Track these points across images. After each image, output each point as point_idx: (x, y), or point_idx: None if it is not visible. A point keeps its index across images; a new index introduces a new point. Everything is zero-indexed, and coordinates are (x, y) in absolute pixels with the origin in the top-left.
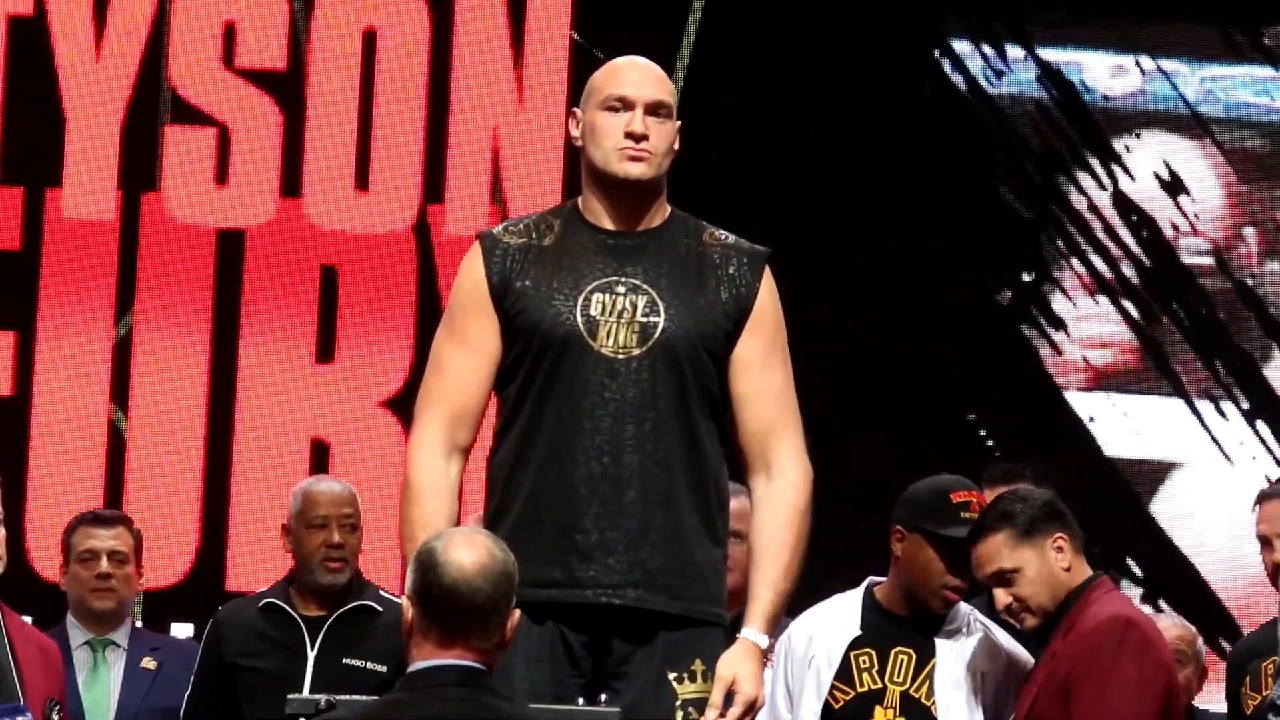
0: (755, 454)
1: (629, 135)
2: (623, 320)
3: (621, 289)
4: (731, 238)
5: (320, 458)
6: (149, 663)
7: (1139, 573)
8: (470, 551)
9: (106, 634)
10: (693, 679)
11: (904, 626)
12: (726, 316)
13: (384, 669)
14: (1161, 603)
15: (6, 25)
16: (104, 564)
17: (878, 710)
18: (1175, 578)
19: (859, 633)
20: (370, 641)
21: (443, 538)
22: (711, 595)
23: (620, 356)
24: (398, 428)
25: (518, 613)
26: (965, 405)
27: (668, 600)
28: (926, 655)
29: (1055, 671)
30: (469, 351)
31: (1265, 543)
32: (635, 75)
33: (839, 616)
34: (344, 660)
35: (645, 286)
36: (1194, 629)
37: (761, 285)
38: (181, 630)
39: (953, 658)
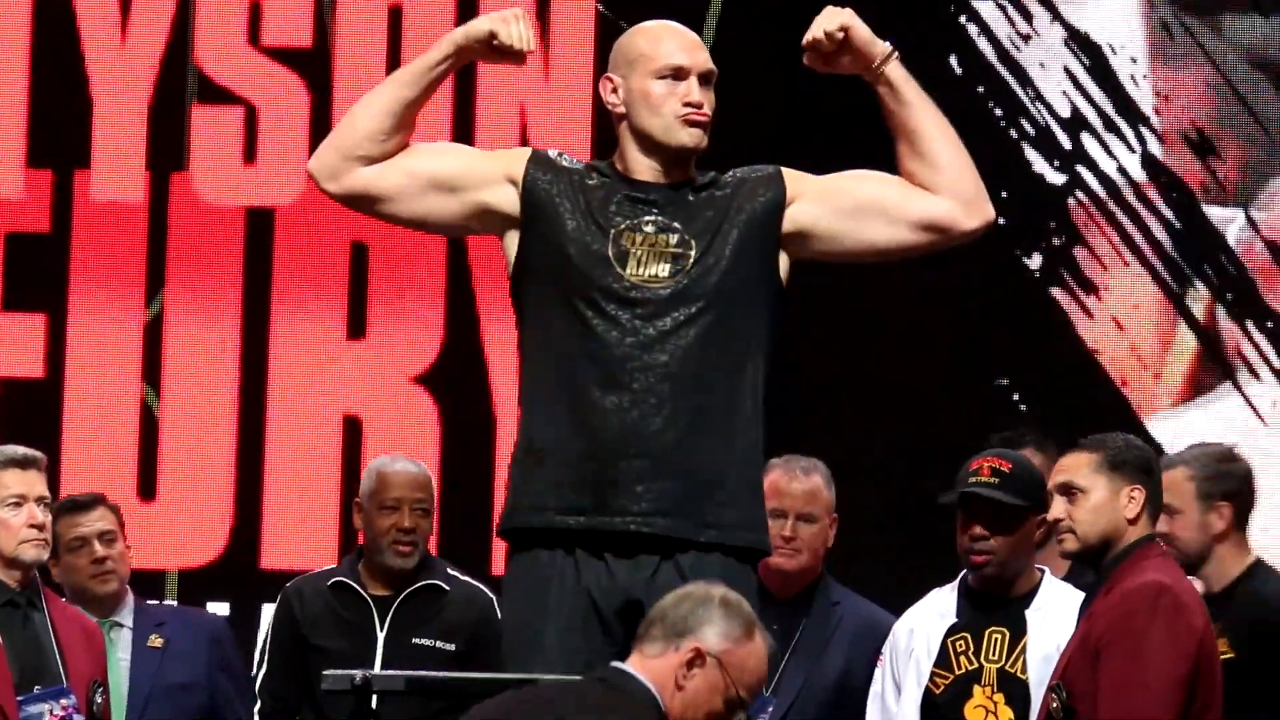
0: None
1: (688, 104)
2: (654, 250)
3: (650, 228)
4: (741, 170)
5: (353, 434)
6: (155, 640)
7: None
8: None
9: (110, 615)
10: None
11: (996, 607)
12: (760, 225)
13: (452, 646)
14: None
15: (32, 8)
16: (97, 548)
17: (976, 689)
18: None
19: (955, 620)
20: (438, 619)
21: None
22: (745, 520)
23: (651, 285)
24: (430, 403)
25: None
26: (997, 370)
27: (697, 528)
28: (1019, 632)
29: (1090, 633)
30: (475, 173)
31: None
32: (685, 42)
33: (937, 607)
34: (413, 639)
35: (675, 224)
36: None
37: (784, 175)
38: (218, 609)
39: (1044, 632)
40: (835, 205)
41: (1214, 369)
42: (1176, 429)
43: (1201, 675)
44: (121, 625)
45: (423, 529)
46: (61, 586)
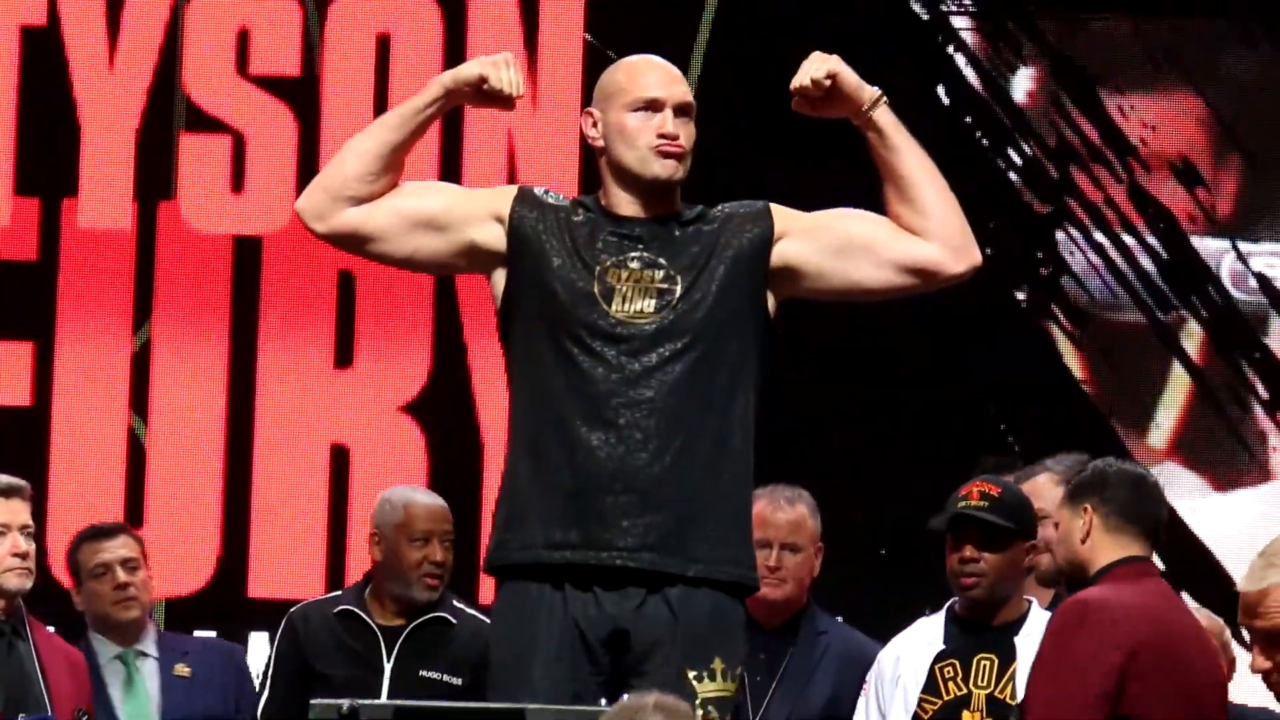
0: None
1: (662, 136)
2: (639, 286)
3: (636, 264)
4: (729, 205)
5: (340, 463)
6: (182, 669)
7: (1160, 565)
8: None
9: (134, 644)
10: (712, 678)
11: (985, 634)
12: (747, 260)
13: (459, 680)
14: (1185, 595)
15: (20, 36)
16: (120, 574)
17: (965, 715)
18: (1197, 570)
19: (943, 647)
20: (445, 653)
21: None
22: (733, 555)
23: (636, 321)
24: (417, 432)
25: None
26: (984, 400)
27: (684, 562)
28: (1008, 658)
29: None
30: (461, 211)
31: None
32: (662, 76)
33: (924, 635)
34: (420, 672)
35: (661, 260)
36: (1221, 621)
37: (773, 211)
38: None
39: (1033, 657)
40: (823, 243)
41: (1205, 401)
42: (1166, 464)
43: (1139, 693)
44: (146, 655)
45: (449, 562)
46: (84, 615)
